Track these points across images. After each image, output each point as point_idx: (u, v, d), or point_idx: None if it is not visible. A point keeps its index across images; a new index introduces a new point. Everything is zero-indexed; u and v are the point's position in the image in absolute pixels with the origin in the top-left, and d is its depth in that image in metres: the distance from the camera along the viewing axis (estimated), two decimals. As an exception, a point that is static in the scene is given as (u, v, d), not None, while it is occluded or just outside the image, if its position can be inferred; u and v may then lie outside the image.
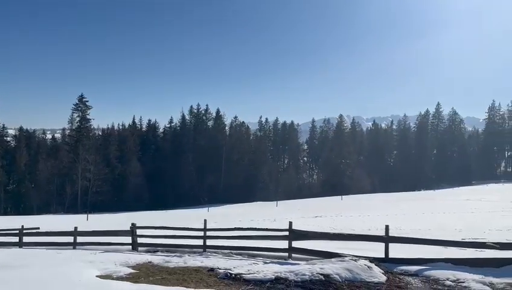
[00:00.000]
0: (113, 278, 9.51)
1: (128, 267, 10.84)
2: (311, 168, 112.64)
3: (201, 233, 14.33)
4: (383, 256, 10.90)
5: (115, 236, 15.87)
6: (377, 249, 11.28)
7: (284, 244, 12.58)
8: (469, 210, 33.98)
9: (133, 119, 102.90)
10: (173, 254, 13.17)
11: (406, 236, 13.13)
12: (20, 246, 17.13)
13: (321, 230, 18.70)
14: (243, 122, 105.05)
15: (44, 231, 18.59)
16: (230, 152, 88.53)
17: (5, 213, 69.77)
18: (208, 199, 74.36)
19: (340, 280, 8.46)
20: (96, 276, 9.65)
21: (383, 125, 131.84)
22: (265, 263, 11.00)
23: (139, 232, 15.55)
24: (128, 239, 15.38)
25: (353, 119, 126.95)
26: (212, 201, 73.18)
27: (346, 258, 9.61)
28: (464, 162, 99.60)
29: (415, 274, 9.49)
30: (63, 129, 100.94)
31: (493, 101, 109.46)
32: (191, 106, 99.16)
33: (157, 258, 12.07)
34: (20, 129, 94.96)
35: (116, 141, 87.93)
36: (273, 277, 8.80)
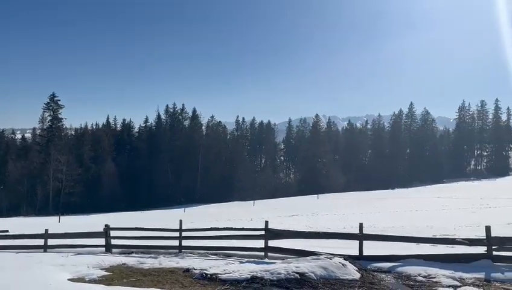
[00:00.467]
0: (85, 281, 9.31)
1: (101, 269, 10.63)
2: (288, 168, 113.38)
3: (176, 234, 14.20)
4: (358, 254, 11.09)
5: (88, 238, 15.54)
6: (352, 247, 11.46)
7: (260, 243, 12.62)
8: (440, 207, 34.94)
9: (107, 118, 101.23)
10: (148, 255, 13.00)
11: (380, 233, 13.38)
12: (-12, 250, 16.52)
13: (297, 229, 18.84)
14: (220, 121, 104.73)
15: (13, 233, 18.02)
16: (206, 152, 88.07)
17: (-28, 216, 67.16)
18: (185, 199, 73.79)
19: (315, 278, 8.55)
20: (68, 279, 9.42)
21: (358, 125, 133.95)
22: (242, 262, 11.00)
23: (113, 233, 15.26)
24: (102, 241, 15.08)
25: (329, 119, 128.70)
26: (189, 201, 72.62)
27: (321, 257, 9.71)
28: (436, 161, 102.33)
29: (388, 271, 9.69)
30: (34, 129, 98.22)
31: (463, 101, 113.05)
32: (167, 105, 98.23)
33: (131, 260, 11.89)
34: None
35: (89, 140, 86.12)
36: (249, 276, 8.80)
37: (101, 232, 15.11)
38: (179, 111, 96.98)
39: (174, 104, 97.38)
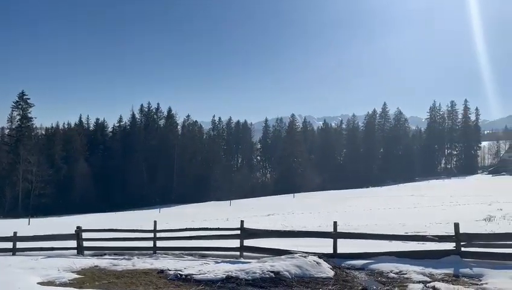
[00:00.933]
0: (55, 285, 9.07)
1: (72, 272, 10.37)
2: (265, 167, 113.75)
3: (151, 235, 14.02)
4: (332, 252, 11.23)
5: (59, 240, 15.13)
6: (326, 245, 11.59)
7: (236, 243, 12.60)
8: (412, 205, 35.78)
9: (80, 118, 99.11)
10: (121, 257, 12.77)
11: (353, 231, 13.60)
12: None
13: (273, 228, 18.93)
14: (196, 121, 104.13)
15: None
16: (182, 152, 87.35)
17: None
18: (160, 200, 72.91)
19: (290, 277, 8.60)
20: (38, 283, 9.15)
21: (333, 124, 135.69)
22: (217, 262, 10.96)
23: (85, 235, 14.91)
24: (73, 243, 14.72)
25: (305, 118, 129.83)
26: (164, 202, 71.82)
27: (296, 255, 9.78)
28: (408, 160, 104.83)
29: (361, 268, 9.86)
30: (2, 128, 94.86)
31: (434, 101, 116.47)
32: (142, 105, 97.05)
33: (104, 262, 11.66)
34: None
35: (61, 140, 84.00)
36: (224, 276, 8.78)
37: (73, 234, 14.75)
38: (154, 110, 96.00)
39: (149, 103, 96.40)
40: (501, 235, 11.03)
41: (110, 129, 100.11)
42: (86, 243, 14.77)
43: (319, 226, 22.72)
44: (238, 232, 12.64)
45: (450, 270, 9.06)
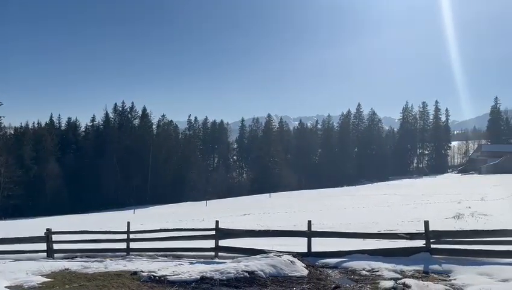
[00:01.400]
0: (24, 289, 8.80)
1: (41, 275, 10.08)
2: (241, 167, 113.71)
3: (124, 236, 13.80)
4: (306, 251, 11.34)
5: (29, 243, 14.72)
6: (301, 244, 11.69)
7: (211, 243, 12.56)
8: (385, 204, 36.46)
9: (51, 117, 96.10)
10: (93, 259, 12.50)
11: (328, 230, 13.77)
12: None
13: (249, 228, 18.93)
14: (171, 121, 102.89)
15: None
16: (157, 152, 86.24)
17: None
18: (134, 201, 71.81)
19: (265, 276, 8.63)
20: (5, 287, 8.88)
21: (308, 124, 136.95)
22: (192, 263, 10.88)
23: (56, 237, 14.55)
24: (43, 246, 14.33)
25: (281, 118, 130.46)
26: (139, 203, 70.75)
27: (271, 255, 9.83)
28: (382, 160, 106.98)
29: (334, 266, 10.00)
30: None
31: (406, 102, 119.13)
32: (115, 104, 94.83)
33: (75, 265, 11.38)
34: None
35: (31, 140, 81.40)
36: (199, 276, 8.74)
37: (42, 236, 14.38)
38: (128, 110, 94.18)
39: (123, 102, 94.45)
40: (469, 232, 11.41)
41: (82, 129, 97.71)
42: (56, 246, 14.41)
43: (294, 225, 22.86)
44: (213, 232, 12.60)
45: (420, 267, 9.30)
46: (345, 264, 9.97)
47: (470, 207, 27.87)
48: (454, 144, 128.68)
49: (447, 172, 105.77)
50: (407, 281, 8.02)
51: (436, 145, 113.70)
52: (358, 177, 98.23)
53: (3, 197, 66.88)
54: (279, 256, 9.66)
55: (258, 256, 9.88)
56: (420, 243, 10.69)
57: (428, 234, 10.51)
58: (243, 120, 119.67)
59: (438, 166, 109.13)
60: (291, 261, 9.36)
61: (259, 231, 13.36)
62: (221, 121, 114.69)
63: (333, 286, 8.20)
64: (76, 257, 13.72)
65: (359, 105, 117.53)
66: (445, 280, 8.38)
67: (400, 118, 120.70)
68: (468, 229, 13.92)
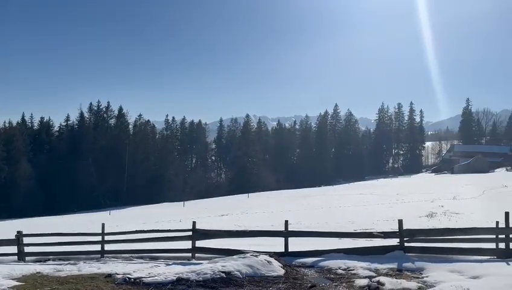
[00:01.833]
0: (-8, 293, 8.52)
1: (12, 279, 9.76)
2: (219, 167, 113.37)
3: (99, 238, 13.54)
4: (283, 250, 11.39)
5: (-2, 246, 14.25)
6: (279, 244, 11.75)
7: (188, 244, 12.46)
8: (361, 203, 37.06)
9: (23, 116, 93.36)
10: (66, 262, 12.22)
11: (304, 230, 13.87)
12: None
13: (227, 228, 18.89)
14: (148, 120, 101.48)
15: None
16: (134, 152, 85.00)
17: None
18: (110, 202, 70.59)
19: (241, 276, 8.62)
20: (-28, 292, 8.56)
21: (286, 125, 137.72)
22: (168, 264, 10.76)
23: (27, 240, 14.15)
24: (14, 249, 13.91)
25: (259, 119, 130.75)
26: (115, 204, 69.58)
27: (248, 255, 9.82)
28: (358, 160, 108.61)
29: (311, 266, 10.07)
30: None
31: (382, 103, 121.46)
32: (91, 103, 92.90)
33: (47, 268, 11.08)
34: None
35: (1, 140, 78.83)
36: (175, 278, 8.65)
37: (12, 239, 13.97)
38: (104, 109, 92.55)
39: (99, 102, 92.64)
40: (441, 230, 11.73)
41: (56, 129, 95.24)
42: (28, 249, 14.01)
43: (272, 225, 22.94)
44: (190, 233, 12.50)
45: (394, 265, 9.48)
46: (321, 264, 10.06)
47: (442, 206, 28.66)
48: (428, 144, 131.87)
49: (421, 172, 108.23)
50: (382, 279, 8.17)
51: (411, 145, 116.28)
52: (335, 177, 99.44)
53: (-28, 199, 64.64)
54: (256, 256, 9.66)
55: (235, 256, 9.86)
56: (394, 241, 10.91)
57: (402, 233, 10.73)
58: (221, 120, 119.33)
59: (413, 166, 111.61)
60: (268, 261, 9.38)
61: (237, 231, 13.35)
62: (199, 121, 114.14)
63: (309, 285, 8.26)
64: (48, 259, 13.38)
65: (336, 106, 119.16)
66: (418, 278, 8.57)
67: (376, 118, 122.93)
68: (441, 227, 14.30)
